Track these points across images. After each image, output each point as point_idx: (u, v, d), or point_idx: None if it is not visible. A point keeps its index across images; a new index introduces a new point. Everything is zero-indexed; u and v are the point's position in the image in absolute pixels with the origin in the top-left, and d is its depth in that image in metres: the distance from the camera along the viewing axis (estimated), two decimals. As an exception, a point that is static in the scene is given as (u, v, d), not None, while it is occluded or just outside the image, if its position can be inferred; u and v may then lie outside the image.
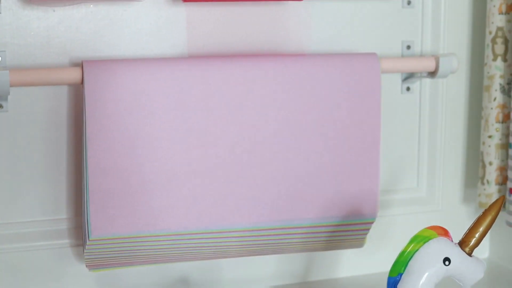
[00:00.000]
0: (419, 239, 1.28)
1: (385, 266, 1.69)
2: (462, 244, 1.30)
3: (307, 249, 1.62)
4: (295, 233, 1.57)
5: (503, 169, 1.72)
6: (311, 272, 1.75)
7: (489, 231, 1.80)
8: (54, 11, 1.49)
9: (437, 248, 1.28)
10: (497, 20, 1.69)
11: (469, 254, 1.29)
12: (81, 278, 1.58)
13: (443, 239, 1.29)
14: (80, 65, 1.48)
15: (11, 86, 1.39)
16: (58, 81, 1.43)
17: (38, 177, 1.54)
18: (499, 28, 1.70)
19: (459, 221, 1.80)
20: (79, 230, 1.56)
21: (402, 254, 1.28)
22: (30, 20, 1.48)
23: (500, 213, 1.74)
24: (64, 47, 1.51)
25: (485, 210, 1.31)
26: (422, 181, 1.82)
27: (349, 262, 1.77)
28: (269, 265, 1.71)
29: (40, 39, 1.50)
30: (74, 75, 1.42)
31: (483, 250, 1.87)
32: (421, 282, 1.26)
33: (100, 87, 1.41)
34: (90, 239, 1.43)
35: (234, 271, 1.68)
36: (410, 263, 1.27)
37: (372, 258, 1.78)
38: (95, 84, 1.41)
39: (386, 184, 1.77)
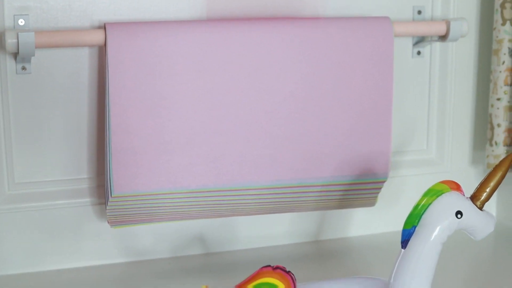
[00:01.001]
0: (433, 193, 1.31)
1: (396, 226, 1.76)
2: (473, 198, 1.33)
3: (321, 207, 1.67)
4: (311, 191, 1.62)
5: (511, 131, 1.76)
6: (324, 231, 1.80)
7: (496, 191, 1.85)
8: (75, -25, 1.53)
9: (450, 201, 1.30)
10: None
11: (480, 208, 1.33)
12: (101, 235, 1.64)
13: (455, 193, 1.32)
14: (102, 27, 1.52)
15: (36, 47, 1.43)
16: (81, 42, 1.47)
17: (61, 137, 1.58)
18: None
19: (468, 182, 1.84)
20: (100, 189, 1.61)
21: (416, 207, 1.31)
22: None
23: (507, 174, 1.79)
24: (85, 10, 1.55)
25: (496, 165, 1.34)
26: (431, 143, 1.86)
27: (361, 221, 1.82)
28: (283, 224, 1.76)
29: (61, 2, 1.54)
30: (97, 37, 1.46)
31: (490, 211, 1.91)
32: (434, 234, 1.29)
33: (122, 49, 1.45)
34: (112, 195, 1.48)
35: (250, 229, 1.73)
36: (424, 215, 1.30)
37: (383, 218, 1.83)
38: (118, 46, 1.45)
39: (397, 146, 1.82)
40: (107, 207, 1.50)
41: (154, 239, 1.67)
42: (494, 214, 1.92)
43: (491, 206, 1.92)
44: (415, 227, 1.31)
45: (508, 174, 1.78)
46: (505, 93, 1.76)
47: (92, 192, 1.61)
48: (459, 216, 1.31)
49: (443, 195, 1.31)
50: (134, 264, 1.66)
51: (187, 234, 1.69)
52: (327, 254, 1.72)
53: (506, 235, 1.85)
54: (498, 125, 1.76)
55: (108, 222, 1.54)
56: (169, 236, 1.68)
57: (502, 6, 1.74)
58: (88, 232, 1.63)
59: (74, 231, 1.62)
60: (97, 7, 1.55)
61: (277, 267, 1.23)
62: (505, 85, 1.76)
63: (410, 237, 1.31)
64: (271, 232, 1.76)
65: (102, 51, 1.55)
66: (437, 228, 1.30)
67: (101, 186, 1.61)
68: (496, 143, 1.77)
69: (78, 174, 1.61)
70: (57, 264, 1.61)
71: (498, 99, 1.76)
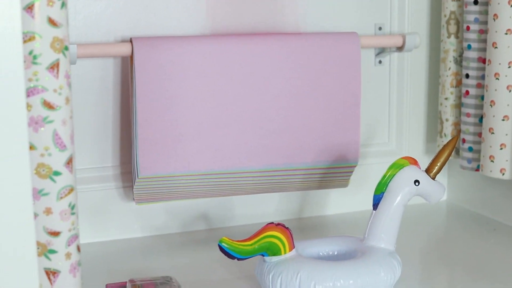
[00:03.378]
0: (396, 166, 1.62)
1: (364, 206, 2.08)
2: (427, 171, 1.64)
3: (304, 187, 1.99)
4: (295, 174, 1.94)
5: (457, 124, 2.07)
6: (305, 210, 2.10)
7: (447, 178, 2.19)
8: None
9: (410, 172, 1.61)
10: (450, 6, 2.04)
11: (433, 179, 1.64)
12: (124, 214, 1.93)
13: (413, 166, 1.63)
14: (126, 41, 1.85)
15: (78, 57, 1.76)
16: (112, 53, 1.78)
17: (90, 133, 1.89)
18: (452, 12, 2.04)
19: (422, 168, 2.17)
20: (123, 175, 1.92)
21: (383, 177, 1.62)
22: (84, 6, 1.84)
23: (455, 159, 2.13)
24: (110, 27, 1.86)
25: (444, 145, 1.66)
26: (392, 137, 2.17)
27: (335, 202, 2.12)
28: (272, 204, 2.06)
29: (90, 21, 1.85)
30: (125, 49, 1.78)
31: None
32: (398, 198, 1.60)
33: (146, 58, 1.77)
34: (139, 177, 1.80)
35: (244, 208, 2.03)
36: (390, 184, 1.61)
37: (353, 199, 2.13)
38: (142, 56, 1.77)
39: (363, 139, 2.13)
40: (134, 187, 1.82)
41: (166, 217, 1.97)
42: (445, 196, 2.24)
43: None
44: (383, 193, 1.62)
45: (455, 159, 2.13)
46: (451, 94, 2.08)
47: (116, 178, 1.92)
48: (417, 184, 1.62)
49: (404, 168, 1.62)
50: (151, 238, 1.95)
51: (193, 212, 1.99)
52: (309, 228, 2.01)
53: (455, 213, 2.15)
54: (447, 120, 2.09)
55: (134, 199, 1.86)
56: (179, 214, 1.98)
57: (448, 22, 2.06)
58: (113, 211, 1.93)
59: (102, 210, 1.92)
60: (119, 25, 1.87)
61: (278, 224, 1.56)
62: (451, 87, 2.07)
63: (380, 201, 1.62)
64: (262, 211, 2.05)
65: (125, 60, 1.88)
66: (400, 194, 1.60)
67: (124, 173, 1.92)
68: (445, 135, 2.10)
69: (104, 163, 1.91)
70: (89, 238, 1.91)
71: (446, 99, 2.09)
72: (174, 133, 1.81)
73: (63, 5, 1.20)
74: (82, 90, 1.87)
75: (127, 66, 1.87)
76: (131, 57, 1.79)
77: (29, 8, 1.17)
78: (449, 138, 2.09)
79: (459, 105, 2.08)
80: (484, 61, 1.99)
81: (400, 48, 2.05)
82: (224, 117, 1.85)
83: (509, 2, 1.87)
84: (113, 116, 1.90)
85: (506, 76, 1.90)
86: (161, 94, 1.79)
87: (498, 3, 1.89)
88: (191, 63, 1.82)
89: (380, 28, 2.10)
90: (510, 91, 1.90)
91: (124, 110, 1.90)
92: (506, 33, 1.89)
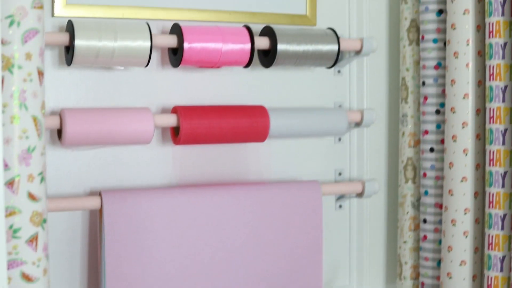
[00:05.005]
0: None
1: None
2: None
3: None
4: None
5: (416, 267, 2.13)
6: None
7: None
8: (72, 151, 1.90)
9: None
10: (407, 152, 2.14)
11: None
12: None
13: None
14: (95, 192, 1.89)
15: (48, 211, 1.78)
16: (83, 207, 1.81)
17: (58, 285, 1.88)
18: (409, 158, 2.13)
19: (383, 311, 2.22)
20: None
21: None
22: (54, 159, 1.88)
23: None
24: (79, 179, 1.91)
25: None
26: (352, 280, 2.22)
27: None
28: None
29: (59, 173, 1.88)
30: (95, 202, 1.82)
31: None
32: None
33: (115, 212, 1.81)
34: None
35: None
36: None
37: None
38: (112, 210, 1.81)
39: (325, 282, 2.16)
40: None
41: None
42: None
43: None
44: None
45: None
46: (410, 237, 2.14)
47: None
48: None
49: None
50: None
51: None
52: None
53: None
54: (406, 263, 2.15)
55: None
56: None
57: (405, 168, 2.14)
58: None
59: None
60: (88, 177, 1.90)
61: None
62: (409, 230, 2.14)
63: None
64: None
65: (93, 212, 1.91)
66: None
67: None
68: (404, 278, 2.15)
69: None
70: None
71: (405, 242, 2.15)
72: (143, 285, 1.83)
73: (42, 179, 1.25)
74: (52, 240, 1.88)
75: (95, 217, 1.90)
76: (100, 210, 1.83)
77: (10, 183, 1.21)
78: (409, 280, 2.14)
79: (417, 248, 2.14)
80: (441, 207, 2.06)
81: (360, 194, 2.13)
82: (192, 267, 1.89)
83: (464, 151, 1.96)
84: (80, 268, 1.91)
85: (462, 222, 1.97)
86: (130, 247, 1.83)
87: (454, 152, 1.97)
88: (159, 216, 1.86)
89: (340, 174, 2.17)
90: (466, 237, 1.97)
91: (91, 262, 1.92)
92: (461, 181, 1.96)
